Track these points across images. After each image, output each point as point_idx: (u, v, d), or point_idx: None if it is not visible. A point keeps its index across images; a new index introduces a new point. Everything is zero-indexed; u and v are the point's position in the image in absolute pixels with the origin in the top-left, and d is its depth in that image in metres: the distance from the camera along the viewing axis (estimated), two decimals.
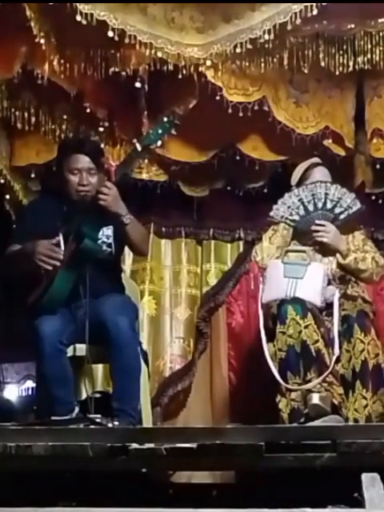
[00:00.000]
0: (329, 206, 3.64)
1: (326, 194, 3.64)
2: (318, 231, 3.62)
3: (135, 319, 3.46)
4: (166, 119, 3.54)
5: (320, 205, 3.64)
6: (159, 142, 3.54)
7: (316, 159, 3.89)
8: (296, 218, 3.66)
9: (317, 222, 3.63)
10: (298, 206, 3.66)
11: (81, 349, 3.36)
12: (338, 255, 3.62)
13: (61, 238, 3.36)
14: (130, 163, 3.64)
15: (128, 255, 4.47)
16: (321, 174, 3.79)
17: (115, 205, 3.39)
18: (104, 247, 3.51)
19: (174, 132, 3.64)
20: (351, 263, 3.61)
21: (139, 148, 3.45)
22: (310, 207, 3.65)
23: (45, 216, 3.51)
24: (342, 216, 3.66)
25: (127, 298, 3.59)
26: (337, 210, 3.65)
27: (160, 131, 3.48)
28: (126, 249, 3.83)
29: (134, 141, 3.55)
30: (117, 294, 3.55)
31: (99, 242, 3.47)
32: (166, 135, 3.57)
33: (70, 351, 3.37)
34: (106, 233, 3.51)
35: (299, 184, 3.78)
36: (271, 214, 3.70)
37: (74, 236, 3.36)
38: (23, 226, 3.62)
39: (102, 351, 3.39)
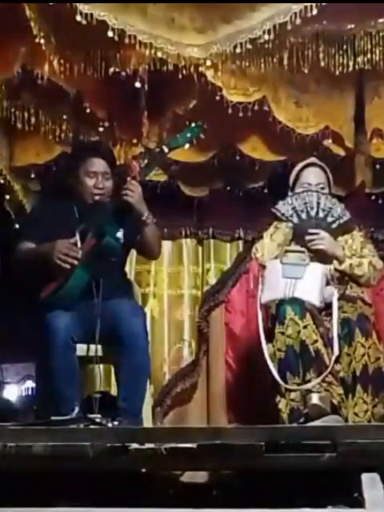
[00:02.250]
0: (321, 215, 3.62)
1: (318, 203, 3.62)
2: (312, 240, 3.61)
3: (146, 321, 3.49)
4: (194, 124, 3.58)
5: (313, 213, 3.62)
6: (187, 145, 3.58)
7: (312, 159, 3.89)
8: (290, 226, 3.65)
9: (310, 230, 3.61)
10: (291, 214, 3.64)
11: (93, 349, 3.38)
12: (334, 261, 3.60)
13: (77, 236, 3.37)
14: (155, 164, 3.68)
15: (131, 256, 4.46)
16: (313, 175, 3.78)
17: (139, 203, 3.42)
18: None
19: (202, 136, 3.66)
20: (347, 269, 3.59)
21: (166, 150, 3.50)
22: (303, 216, 3.63)
23: (57, 216, 3.53)
24: (334, 225, 3.63)
25: (135, 300, 3.62)
26: (329, 219, 3.63)
27: (188, 135, 3.54)
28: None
29: (162, 143, 3.63)
30: (127, 296, 3.59)
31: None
32: (194, 139, 3.59)
33: (83, 351, 3.39)
34: (117, 236, 3.51)
35: (293, 185, 3.80)
36: (274, 209, 3.68)
37: (93, 233, 3.38)
38: (35, 224, 3.62)
39: (109, 351, 3.41)
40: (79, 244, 3.38)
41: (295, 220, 3.63)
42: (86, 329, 3.34)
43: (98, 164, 3.56)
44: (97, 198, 3.53)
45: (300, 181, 3.78)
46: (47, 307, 3.33)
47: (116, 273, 3.55)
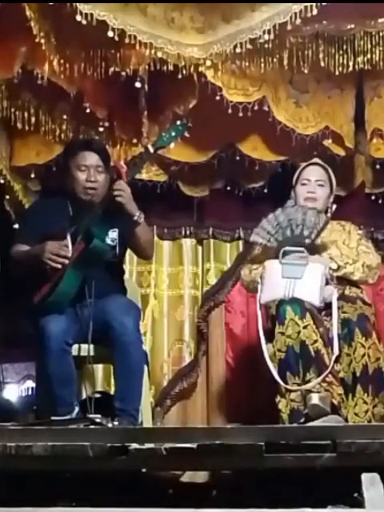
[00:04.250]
0: (306, 233, 3.53)
1: (304, 219, 3.54)
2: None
3: (139, 320, 3.47)
4: (178, 122, 3.58)
5: (298, 231, 3.53)
6: (172, 145, 3.56)
7: (316, 160, 3.89)
8: (274, 244, 3.58)
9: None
10: (277, 230, 3.58)
11: (85, 349, 3.38)
12: (328, 267, 3.56)
13: (68, 238, 3.37)
14: (141, 164, 3.67)
15: (133, 256, 4.45)
16: (314, 172, 3.79)
17: (129, 203, 3.41)
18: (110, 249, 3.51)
19: (187, 135, 3.65)
20: (342, 276, 3.57)
21: (151, 150, 3.49)
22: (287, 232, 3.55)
23: (51, 216, 3.53)
24: (313, 236, 3.54)
25: (130, 299, 3.60)
26: (310, 234, 3.54)
27: (173, 134, 3.52)
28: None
29: (147, 143, 3.59)
30: (121, 295, 3.57)
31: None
32: (178, 138, 3.58)
33: (74, 351, 3.39)
34: (112, 236, 3.51)
35: (296, 183, 3.80)
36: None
37: (82, 236, 3.37)
38: (29, 226, 3.62)
39: (105, 351, 3.41)
40: (70, 245, 3.37)
41: (280, 237, 3.57)
42: (81, 330, 3.34)
43: (90, 157, 3.54)
44: (90, 191, 3.50)
45: (301, 178, 3.79)
46: (40, 312, 3.33)
47: (109, 273, 3.53)
